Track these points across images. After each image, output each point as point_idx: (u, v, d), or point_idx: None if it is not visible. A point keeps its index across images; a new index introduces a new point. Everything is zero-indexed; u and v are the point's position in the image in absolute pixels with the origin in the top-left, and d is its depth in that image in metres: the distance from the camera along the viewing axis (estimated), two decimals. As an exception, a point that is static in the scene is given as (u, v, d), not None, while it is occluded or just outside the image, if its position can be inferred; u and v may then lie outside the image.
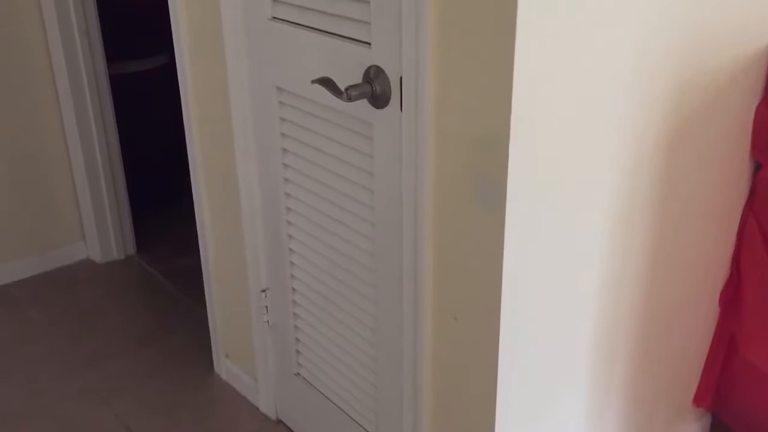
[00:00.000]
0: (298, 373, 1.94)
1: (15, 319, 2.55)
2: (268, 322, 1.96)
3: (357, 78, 1.39)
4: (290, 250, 1.79)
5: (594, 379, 1.53)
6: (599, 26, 1.20)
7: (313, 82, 1.42)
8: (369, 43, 1.36)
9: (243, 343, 2.10)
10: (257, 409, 2.12)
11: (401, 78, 1.30)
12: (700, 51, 1.36)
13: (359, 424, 1.77)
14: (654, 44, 1.28)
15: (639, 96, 1.31)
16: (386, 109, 1.37)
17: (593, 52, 1.21)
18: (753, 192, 1.60)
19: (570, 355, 1.46)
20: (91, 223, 2.81)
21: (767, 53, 1.47)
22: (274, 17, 1.57)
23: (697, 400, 1.79)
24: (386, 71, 1.34)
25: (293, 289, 1.83)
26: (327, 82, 1.40)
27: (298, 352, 1.91)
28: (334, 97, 1.40)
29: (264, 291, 1.93)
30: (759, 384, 1.65)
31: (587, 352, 1.49)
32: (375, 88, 1.36)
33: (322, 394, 1.86)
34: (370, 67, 1.36)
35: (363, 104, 1.40)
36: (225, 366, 2.23)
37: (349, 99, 1.35)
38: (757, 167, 1.58)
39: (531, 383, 1.42)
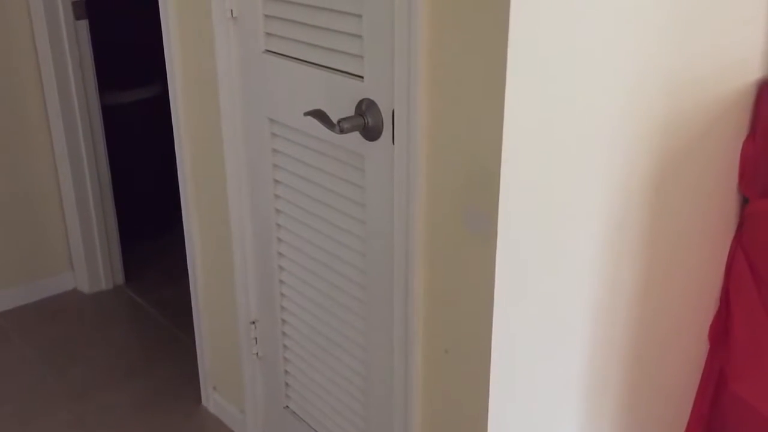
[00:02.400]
0: (287, 406, 1.92)
1: (0, 350, 2.52)
2: (257, 354, 1.95)
3: (349, 110, 1.40)
4: (281, 281, 1.78)
5: (585, 413, 1.53)
6: (590, 65, 1.22)
7: (305, 114, 1.42)
8: (362, 77, 1.37)
9: (231, 375, 2.08)
10: (245, 442, 2.10)
11: (393, 111, 1.31)
12: (690, 87, 1.38)
13: (348, 458, 1.75)
14: (644, 81, 1.30)
15: (629, 131, 1.32)
16: (378, 141, 1.38)
17: (584, 89, 1.23)
18: (741, 226, 1.61)
19: (561, 389, 1.46)
20: (79, 254, 2.79)
21: (754, 90, 1.49)
22: (267, 50, 1.58)
23: (688, 436, 1.78)
24: (378, 104, 1.35)
25: (283, 321, 1.82)
26: (319, 115, 1.41)
27: (287, 384, 1.89)
28: (326, 129, 1.40)
29: (253, 322, 1.92)
30: (749, 420, 1.65)
31: (578, 385, 1.48)
32: (367, 121, 1.37)
33: (312, 427, 1.84)
34: (362, 100, 1.37)
35: (355, 136, 1.41)
36: (213, 398, 2.21)
37: (342, 131, 1.36)
38: (745, 201, 1.60)
39: (522, 416, 1.41)
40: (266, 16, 1.55)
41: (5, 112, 2.57)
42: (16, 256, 2.72)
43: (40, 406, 2.25)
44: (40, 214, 2.73)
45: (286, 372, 1.87)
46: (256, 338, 1.93)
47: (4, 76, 2.53)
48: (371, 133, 1.38)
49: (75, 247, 2.79)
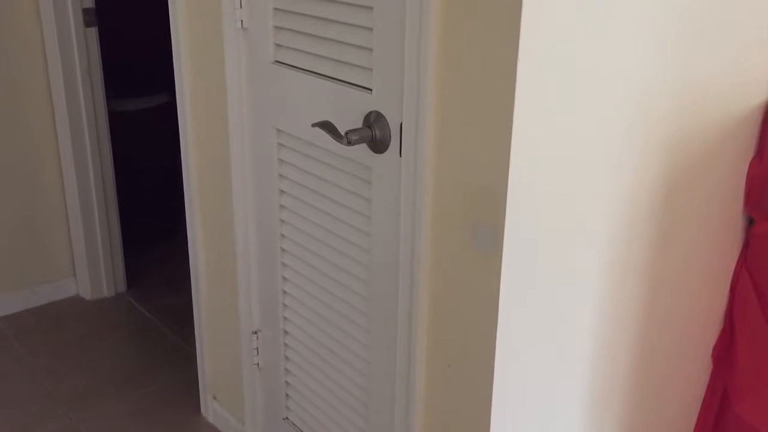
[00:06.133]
0: (287, 417, 1.91)
1: (0, 355, 2.51)
2: (258, 364, 1.94)
3: (357, 122, 1.40)
4: (284, 291, 1.78)
5: (587, 431, 1.52)
6: (598, 80, 1.22)
7: (313, 125, 1.43)
8: (370, 89, 1.37)
9: (231, 384, 2.07)
10: (243, 453, 2.09)
11: (401, 124, 1.32)
12: (697, 108, 1.38)
13: (347, 472, 1.74)
14: (651, 101, 1.30)
15: (636, 150, 1.32)
16: (385, 154, 1.38)
17: (592, 107, 1.23)
18: (746, 246, 1.61)
19: (563, 406, 1.45)
20: (82, 260, 2.79)
21: (760, 111, 1.50)
22: (277, 61, 1.59)
23: (690, 456, 1.77)
24: (386, 117, 1.35)
25: (285, 332, 1.82)
26: (327, 126, 1.41)
27: (287, 395, 1.88)
28: (333, 141, 1.41)
29: (255, 332, 1.91)
30: (752, 441, 1.64)
31: (581, 403, 1.48)
32: (375, 133, 1.37)
33: (311, 439, 1.83)
34: (370, 113, 1.38)
35: (362, 148, 1.41)
36: (212, 408, 2.20)
37: (349, 143, 1.37)
38: (750, 222, 1.60)
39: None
40: (276, 27, 1.56)
41: (13, 118, 2.58)
42: (18, 261, 2.72)
43: (39, 411, 2.25)
44: (44, 219, 2.74)
45: (287, 383, 1.87)
46: (257, 348, 1.92)
47: (14, 81, 2.54)
48: (378, 145, 1.38)
49: (78, 254, 2.79)
